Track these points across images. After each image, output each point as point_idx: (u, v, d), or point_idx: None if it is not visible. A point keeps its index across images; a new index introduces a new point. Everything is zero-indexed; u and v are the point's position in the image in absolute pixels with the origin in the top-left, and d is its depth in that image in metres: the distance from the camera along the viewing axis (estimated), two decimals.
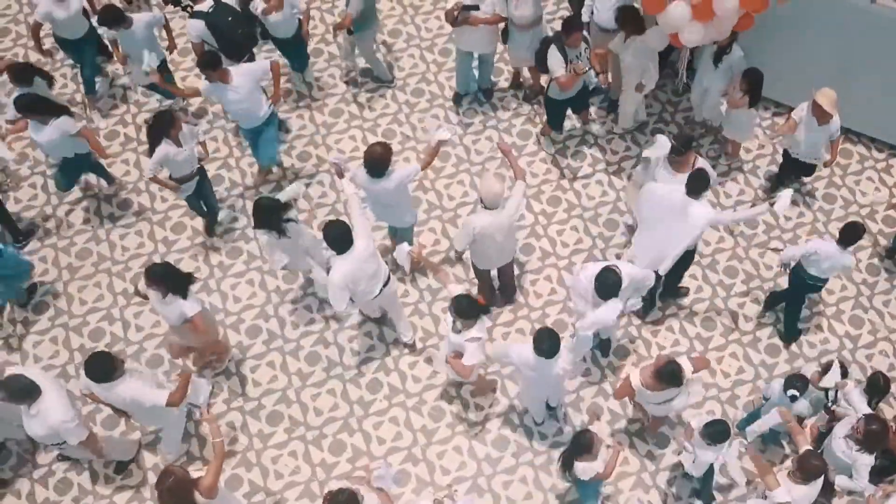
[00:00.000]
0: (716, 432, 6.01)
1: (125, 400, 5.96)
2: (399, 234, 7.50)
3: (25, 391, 5.76)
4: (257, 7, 7.82)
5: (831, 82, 7.23)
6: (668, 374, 5.89)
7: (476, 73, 8.74)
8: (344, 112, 8.88)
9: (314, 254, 7.10)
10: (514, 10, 7.79)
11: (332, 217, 7.65)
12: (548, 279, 7.93)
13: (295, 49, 8.45)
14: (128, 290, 7.78)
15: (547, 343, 5.87)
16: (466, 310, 6.06)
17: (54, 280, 7.94)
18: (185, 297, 6.34)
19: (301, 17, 8.09)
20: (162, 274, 6.27)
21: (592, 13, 8.05)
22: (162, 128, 6.89)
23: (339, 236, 6.21)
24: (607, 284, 6.08)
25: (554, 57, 7.48)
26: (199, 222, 8.18)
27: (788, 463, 5.97)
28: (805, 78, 7.63)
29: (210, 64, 7.01)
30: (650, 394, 6.11)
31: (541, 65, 7.88)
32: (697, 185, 6.56)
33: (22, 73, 7.58)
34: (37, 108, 7.14)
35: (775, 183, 8.31)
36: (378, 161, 6.52)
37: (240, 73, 7.19)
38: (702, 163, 6.97)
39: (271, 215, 6.60)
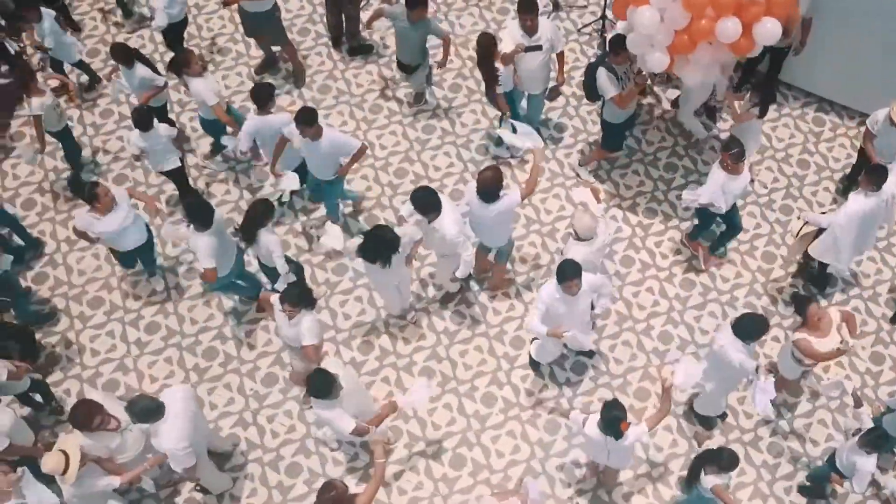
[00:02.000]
0: (876, 438, 5.88)
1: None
2: (498, 253, 7.28)
3: (148, 414, 5.66)
4: None
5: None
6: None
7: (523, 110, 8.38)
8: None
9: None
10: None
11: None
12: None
13: None
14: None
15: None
16: None
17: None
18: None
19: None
20: (298, 294, 6.08)
21: None
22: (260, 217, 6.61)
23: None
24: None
25: (605, 78, 7.26)
26: None
27: None
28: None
29: (309, 121, 6.74)
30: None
31: (590, 93, 7.69)
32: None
33: None
34: None
35: (846, 185, 8.10)
36: (491, 186, 6.40)
37: (329, 139, 6.95)
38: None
39: (389, 248, 6.39)
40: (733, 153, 6.66)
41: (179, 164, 7.58)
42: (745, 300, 7.64)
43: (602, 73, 7.26)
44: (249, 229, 6.52)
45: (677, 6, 6.46)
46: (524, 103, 8.19)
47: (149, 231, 7.15)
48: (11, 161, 8.32)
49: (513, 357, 7.35)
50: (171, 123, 7.97)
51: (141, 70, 7.59)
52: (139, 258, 7.27)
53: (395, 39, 8.02)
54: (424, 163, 8.36)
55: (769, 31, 6.50)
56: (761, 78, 7.58)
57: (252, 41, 8.91)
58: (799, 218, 7.61)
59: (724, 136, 8.24)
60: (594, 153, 8.29)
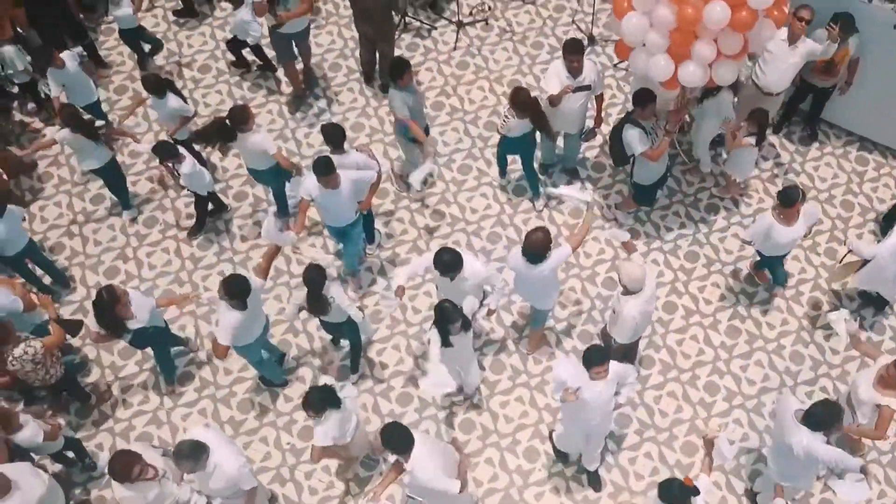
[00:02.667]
0: None
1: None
2: (534, 318, 7.13)
3: (197, 451, 5.48)
4: None
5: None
6: None
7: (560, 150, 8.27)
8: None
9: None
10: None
11: None
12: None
13: None
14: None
15: None
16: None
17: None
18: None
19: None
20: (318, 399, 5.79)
21: (755, 78, 7.74)
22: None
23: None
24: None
25: (633, 135, 7.05)
26: None
27: None
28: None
29: (325, 170, 6.49)
30: None
31: (618, 157, 7.53)
32: None
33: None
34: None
35: (888, 217, 7.96)
36: (539, 248, 6.19)
37: (349, 182, 6.70)
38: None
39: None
40: (788, 209, 6.48)
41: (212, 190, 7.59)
42: (793, 349, 7.44)
43: (629, 130, 7.04)
44: (318, 302, 6.29)
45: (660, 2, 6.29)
46: (560, 142, 8.03)
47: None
48: (40, 203, 8.14)
49: (555, 409, 7.15)
50: (199, 156, 7.82)
51: (172, 101, 7.45)
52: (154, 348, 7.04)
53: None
54: (461, 204, 8.17)
55: None
56: (763, 116, 7.38)
57: (228, 56, 8.89)
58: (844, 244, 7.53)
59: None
60: (627, 202, 8.11)
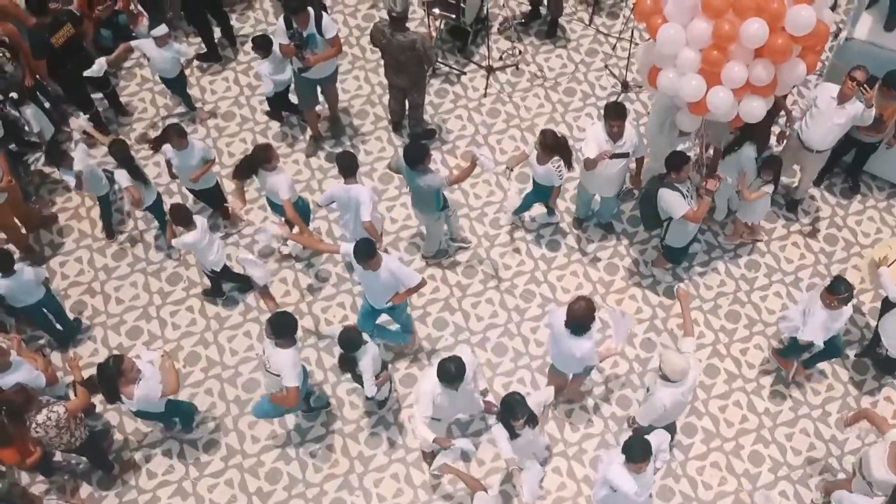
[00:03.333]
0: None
1: None
2: (575, 376, 6.87)
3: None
4: None
5: None
6: None
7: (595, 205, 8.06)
8: None
9: None
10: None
11: None
12: None
13: None
14: None
15: None
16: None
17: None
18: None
19: None
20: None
21: (799, 131, 7.47)
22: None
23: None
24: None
25: (671, 198, 6.79)
26: None
27: None
28: None
29: (366, 255, 6.28)
30: None
31: (650, 221, 7.32)
32: None
33: None
34: None
35: None
36: (584, 319, 5.98)
37: (390, 270, 6.44)
38: None
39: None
40: (841, 297, 6.23)
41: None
42: (838, 415, 7.18)
43: (666, 194, 6.78)
44: (350, 364, 6.20)
45: (696, 13, 6.11)
46: (597, 197, 7.80)
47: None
48: (60, 258, 7.89)
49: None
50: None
51: (199, 145, 7.27)
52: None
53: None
54: (493, 259, 7.92)
55: (804, 18, 5.94)
56: (778, 164, 7.20)
57: (257, 105, 8.70)
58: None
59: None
60: (660, 260, 7.85)
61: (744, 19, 5.97)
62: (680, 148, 7.84)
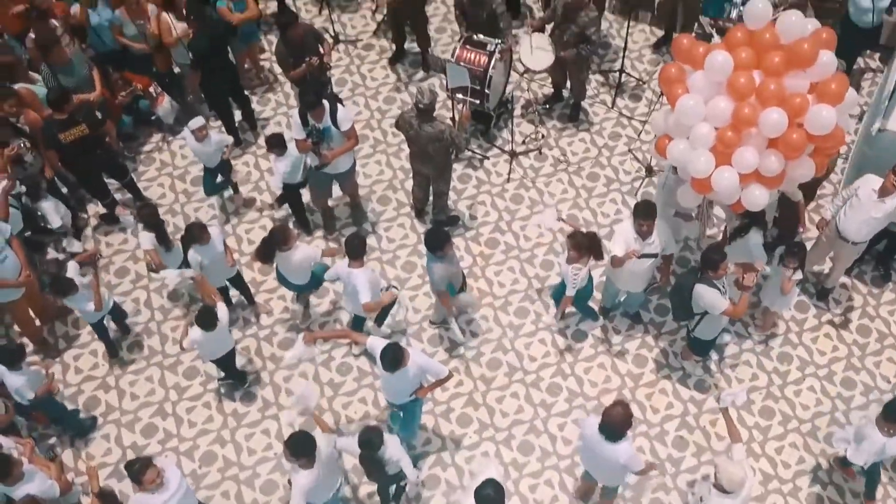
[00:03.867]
0: None
1: None
2: (604, 490, 6.71)
3: None
4: None
5: None
6: None
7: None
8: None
9: None
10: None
11: None
12: None
13: None
14: None
15: None
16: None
17: None
18: None
19: None
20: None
21: (837, 220, 7.33)
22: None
23: None
24: None
25: (710, 295, 6.58)
26: None
27: None
28: None
29: (394, 365, 6.08)
30: None
31: (681, 313, 7.07)
32: None
33: None
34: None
35: None
36: (620, 425, 5.77)
37: (418, 365, 6.28)
38: None
39: None
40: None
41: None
42: None
43: (705, 291, 6.54)
44: (373, 464, 5.97)
45: (720, 90, 6.05)
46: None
47: None
48: (74, 351, 7.70)
49: None
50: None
51: (215, 231, 7.13)
52: None
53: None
54: (518, 351, 7.72)
55: (825, 118, 5.86)
56: (803, 252, 7.07)
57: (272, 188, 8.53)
58: None
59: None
60: (686, 352, 7.63)
61: (765, 107, 5.90)
62: (685, 234, 7.83)
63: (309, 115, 7.17)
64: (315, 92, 7.16)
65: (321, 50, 7.97)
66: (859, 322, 7.90)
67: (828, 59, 5.96)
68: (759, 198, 6.30)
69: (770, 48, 6.03)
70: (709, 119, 6.12)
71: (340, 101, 7.84)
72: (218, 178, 8.26)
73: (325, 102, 7.19)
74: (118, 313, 7.54)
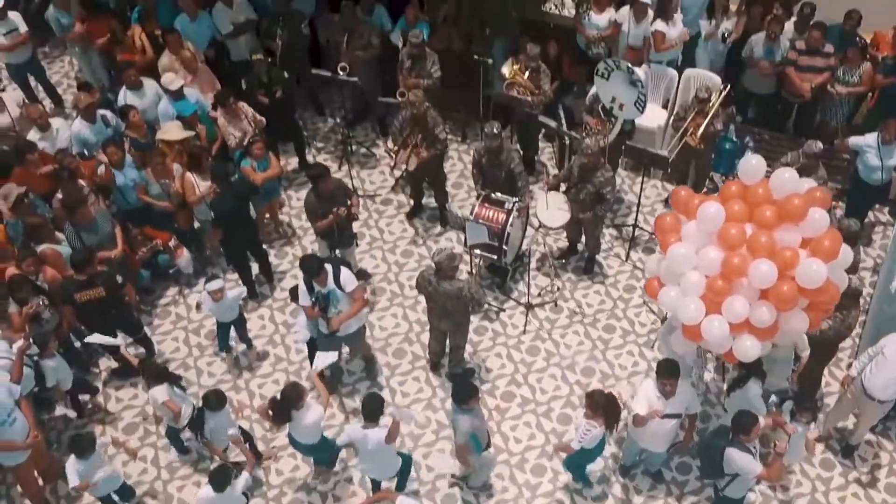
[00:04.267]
0: None
1: None
2: None
3: None
4: None
5: None
6: None
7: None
8: None
9: None
10: None
11: None
12: None
13: None
14: None
15: None
16: None
17: None
18: None
19: None
20: None
21: (863, 377, 7.18)
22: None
23: None
24: None
25: (743, 460, 6.40)
26: None
27: None
28: None
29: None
30: None
31: (709, 471, 6.84)
32: None
33: None
34: None
35: None
36: None
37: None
38: None
39: None
40: None
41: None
42: None
43: (737, 455, 6.36)
44: None
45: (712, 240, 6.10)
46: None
47: None
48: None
49: None
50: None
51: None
52: None
53: None
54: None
55: (814, 273, 5.84)
56: (815, 407, 7.05)
57: (291, 344, 8.55)
58: None
59: None
60: None
61: (755, 257, 5.96)
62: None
63: (313, 282, 7.28)
64: (317, 259, 7.38)
65: (349, 202, 8.13)
66: (887, 480, 7.58)
67: (819, 216, 6.06)
68: (750, 349, 6.27)
69: (762, 202, 6.17)
70: (699, 267, 6.21)
71: (348, 265, 7.89)
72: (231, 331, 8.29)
73: (328, 266, 7.31)
74: (126, 492, 7.30)
